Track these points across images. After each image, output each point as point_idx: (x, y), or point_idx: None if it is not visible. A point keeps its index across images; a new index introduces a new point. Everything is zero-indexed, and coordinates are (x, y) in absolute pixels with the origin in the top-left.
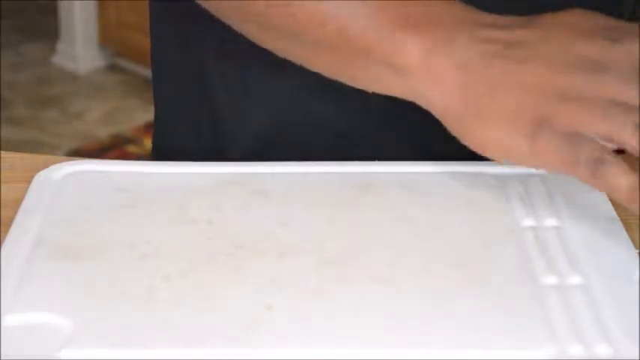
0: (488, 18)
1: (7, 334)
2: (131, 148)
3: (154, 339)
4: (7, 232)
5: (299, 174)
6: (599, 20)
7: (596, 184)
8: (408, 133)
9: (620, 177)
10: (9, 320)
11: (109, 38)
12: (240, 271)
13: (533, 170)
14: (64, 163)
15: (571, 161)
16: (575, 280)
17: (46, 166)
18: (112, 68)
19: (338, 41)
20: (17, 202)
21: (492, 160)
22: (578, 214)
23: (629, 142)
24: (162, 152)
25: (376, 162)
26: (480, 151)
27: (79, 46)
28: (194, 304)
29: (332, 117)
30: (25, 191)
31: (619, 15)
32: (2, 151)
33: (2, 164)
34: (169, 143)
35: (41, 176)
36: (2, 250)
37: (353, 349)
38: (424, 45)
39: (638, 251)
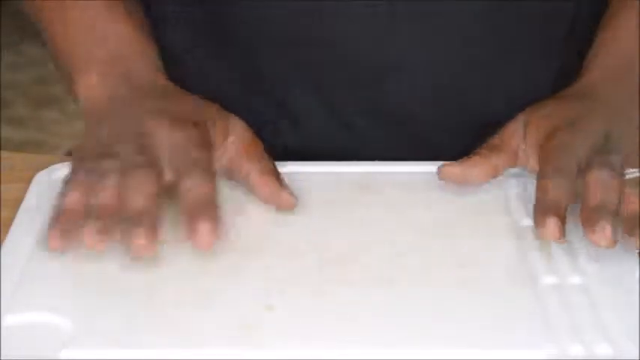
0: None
1: (7, 334)
2: None
3: (154, 339)
4: (7, 232)
5: (299, 174)
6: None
7: None
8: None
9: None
10: (9, 320)
11: None
12: (240, 271)
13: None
14: (64, 163)
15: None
16: (575, 280)
17: (46, 166)
18: None
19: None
20: (17, 202)
21: None
22: (577, 214)
23: None
24: None
25: (376, 162)
26: None
27: None
28: (194, 304)
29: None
30: (25, 191)
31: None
32: (2, 151)
33: (2, 164)
34: None
35: (41, 176)
36: (2, 250)
37: (353, 349)
38: (91, 84)
39: (638, 251)
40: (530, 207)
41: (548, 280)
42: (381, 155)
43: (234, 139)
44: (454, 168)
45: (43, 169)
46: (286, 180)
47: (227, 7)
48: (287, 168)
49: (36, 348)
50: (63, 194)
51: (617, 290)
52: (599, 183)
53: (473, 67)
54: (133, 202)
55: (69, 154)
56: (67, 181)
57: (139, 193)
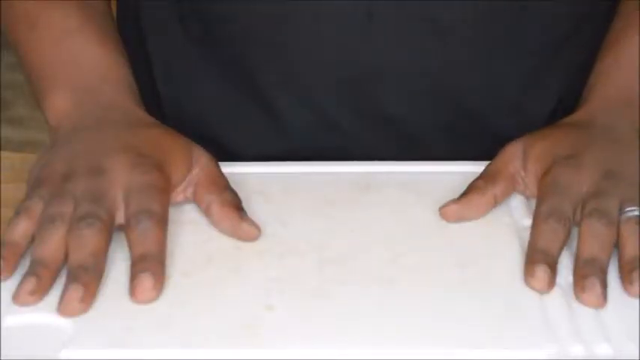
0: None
1: (7, 334)
2: None
3: (154, 339)
4: None
5: (299, 174)
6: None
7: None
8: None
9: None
10: (9, 320)
11: None
12: (240, 271)
13: None
14: None
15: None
16: None
17: None
18: None
19: (28, 80)
20: (17, 202)
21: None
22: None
23: None
24: None
25: (376, 162)
26: None
27: None
28: (194, 304)
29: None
30: (25, 191)
31: None
32: (2, 151)
33: (2, 164)
34: None
35: None
36: None
37: (353, 349)
38: (58, 105)
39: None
40: (530, 207)
41: None
42: (371, 157)
43: (197, 171)
44: (453, 206)
45: None
46: (287, 180)
47: (215, 10)
48: (287, 168)
49: (36, 348)
50: (13, 222)
51: (617, 290)
52: (592, 234)
53: (460, 67)
54: (76, 257)
55: None
56: (21, 208)
57: (84, 250)
